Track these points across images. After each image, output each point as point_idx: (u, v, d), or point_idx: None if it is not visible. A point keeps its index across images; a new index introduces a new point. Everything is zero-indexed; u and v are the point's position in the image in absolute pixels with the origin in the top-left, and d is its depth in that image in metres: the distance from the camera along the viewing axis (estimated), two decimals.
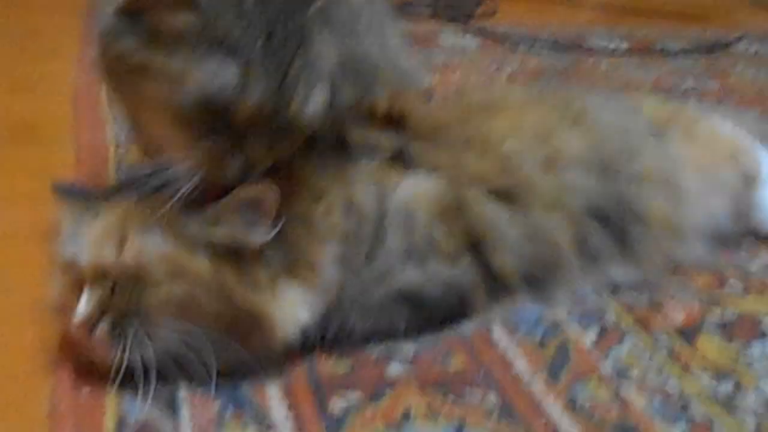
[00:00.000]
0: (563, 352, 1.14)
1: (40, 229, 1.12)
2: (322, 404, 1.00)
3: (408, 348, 1.11)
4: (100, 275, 0.98)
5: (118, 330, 0.96)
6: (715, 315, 1.24)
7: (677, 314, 1.24)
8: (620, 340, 1.17)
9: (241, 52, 0.95)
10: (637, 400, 1.06)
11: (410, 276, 1.11)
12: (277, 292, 1.01)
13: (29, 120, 1.65)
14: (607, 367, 1.12)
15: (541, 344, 1.15)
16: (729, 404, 1.06)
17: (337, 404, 1.00)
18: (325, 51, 1.02)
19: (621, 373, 1.10)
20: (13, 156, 1.56)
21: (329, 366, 1.07)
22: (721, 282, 1.33)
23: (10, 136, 1.62)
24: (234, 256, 0.99)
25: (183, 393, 1.00)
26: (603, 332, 1.19)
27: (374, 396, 1.02)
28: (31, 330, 1.09)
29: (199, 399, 0.99)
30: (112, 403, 0.97)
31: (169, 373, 0.98)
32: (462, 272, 1.15)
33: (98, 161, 1.51)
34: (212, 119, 0.96)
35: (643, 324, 1.21)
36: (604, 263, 1.25)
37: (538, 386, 1.06)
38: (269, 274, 1.01)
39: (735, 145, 1.45)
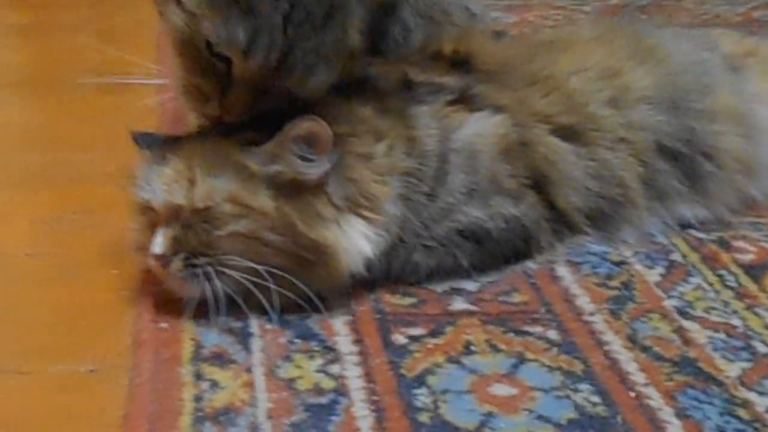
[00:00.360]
0: (627, 289, 1.15)
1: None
2: (385, 337, 1.04)
3: (471, 285, 1.14)
4: (172, 216, 1.03)
5: (190, 265, 1.02)
6: None
7: (746, 253, 1.24)
8: (686, 278, 1.18)
9: (256, 16, 0.98)
10: (699, 336, 1.06)
11: (473, 214, 1.13)
12: (341, 226, 1.05)
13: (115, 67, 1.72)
14: (670, 303, 1.13)
15: (605, 281, 1.17)
16: None
17: (399, 338, 1.04)
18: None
19: (684, 310, 1.11)
20: (102, 102, 1.64)
21: (394, 300, 1.11)
22: None
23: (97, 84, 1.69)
24: (296, 191, 1.03)
25: (254, 324, 1.05)
26: (669, 270, 1.20)
27: (436, 331, 1.05)
28: (114, 265, 1.16)
29: (269, 330, 1.04)
30: (188, 331, 1.03)
31: (237, 305, 1.04)
32: (526, 210, 1.16)
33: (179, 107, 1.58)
34: (209, 64, 1.01)
35: (711, 262, 1.22)
36: (673, 201, 1.26)
37: (599, 321, 1.08)
38: (333, 209, 1.05)
39: None
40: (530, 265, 1.18)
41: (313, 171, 1.03)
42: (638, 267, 1.20)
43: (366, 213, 1.07)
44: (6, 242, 1.24)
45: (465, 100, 1.18)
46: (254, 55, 0.99)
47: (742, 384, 0.99)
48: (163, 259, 1.02)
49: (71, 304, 1.11)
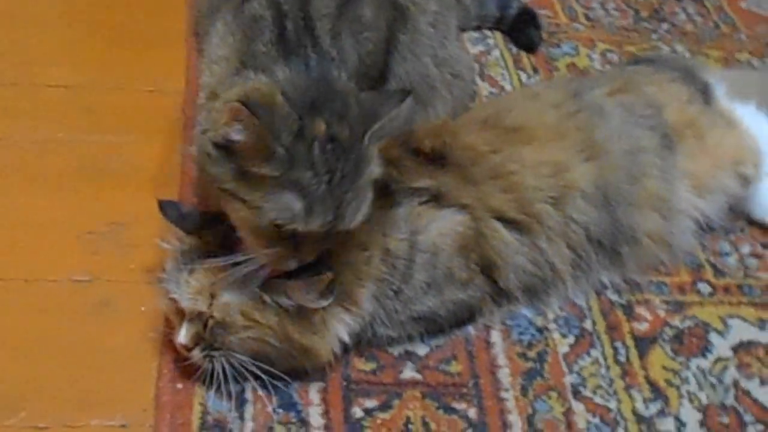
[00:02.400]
0: (541, 361, 1.42)
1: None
2: (347, 410, 1.32)
3: (421, 350, 1.41)
4: (195, 317, 1.28)
5: (207, 355, 1.28)
6: (675, 322, 1.50)
7: (643, 322, 1.49)
8: (589, 350, 1.44)
9: (307, 193, 1.18)
10: (580, 420, 1.35)
11: (428, 304, 1.38)
12: (326, 323, 1.31)
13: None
14: (569, 380, 1.39)
15: (526, 350, 1.43)
16: (648, 429, 1.35)
17: (357, 411, 1.32)
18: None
19: (578, 388, 1.38)
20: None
21: (360, 365, 1.37)
22: (694, 281, 1.57)
23: None
24: (296, 311, 1.28)
25: (248, 388, 1.32)
26: (578, 339, 1.46)
27: (385, 405, 1.33)
28: (142, 298, 1.41)
29: (260, 396, 1.31)
30: (198, 395, 1.31)
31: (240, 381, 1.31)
32: (473, 293, 1.41)
33: None
34: (280, 234, 1.21)
35: (613, 332, 1.47)
36: (594, 273, 1.50)
37: (510, 399, 1.36)
38: (322, 313, 1.30)
39: (740, 153, 1.61)
40: (470, 330, 1.44)
41: (318, 304, 1.28)
42: (555, 335, 1.46)
43: (347, 306, 1.33)
44: (47, 266, 1.45)
45: (435, 199, 1.40)
46: (314, 220, 1.20)
47: None
48: (187, 347, 1.29)
49: (103, 347, 1.35)
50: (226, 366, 1.28)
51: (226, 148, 1.20)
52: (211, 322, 1.27)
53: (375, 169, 1.26)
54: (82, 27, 1.97)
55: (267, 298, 1.27)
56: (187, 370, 1.33)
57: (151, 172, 1.63)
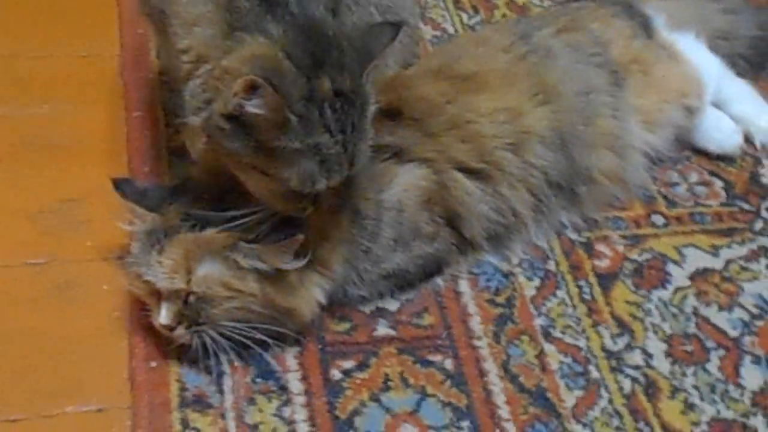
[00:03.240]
0: (509, 306, 1.41)
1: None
2: (326, 373, 1.29)
3: (393, 306, 1.38)
4: (174, 294, 1.22)
5: (194, 331, 1.23)
6: (633, 255, 1.49)
7: (603, 258, 1.49)
8: (554, 291, 1.43)
9: (326, 156, 1.16)
10: (553, 361, 1.34)
11: (396, 260, 1.35)
12: (304, 284, 1.27)
13: None
14: (539, 322, 1.39)
15: (494, 296, 1.42)
16: (618, 363, 1.35)
17: (336, 373, 1.29)
18: None
19: (548, 330, 1.38)
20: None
21: (333, 326, 1.34)
22: (648, 214, 1.57)
23: None
24: (274, 274, 1.24)
25: (224, 360, 1.27)
26: (543, 281, 1.45)
27: (363, 364, 1.31)
28: (104, 277, 1.36)
29: (237, 368, 1.28)
30: (174, 372, 1.27)
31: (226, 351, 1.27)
32: (439, 245, 1.39)
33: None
34: (300, 194, 1.19)
35: (576, 271, 1.47)
36: (554, 215, 1.49)
37: (484, 347, 1.35)
38: (298, 275, 1.26)
39: (685, 85, 1.60)
40: (439, 281, 1.42)
41: (292, 266, 1.23)
42: (521, 279, 1.45)
43: (320, 271, 1.29)
44: None
45: (396, 155, 1.36)
46: (334, 179, 1.19)
47: (574, 416, 1.29)
48: (169, 327, 1.23)
49: (68, 331, 1.29)
50: (216, 337, 1.24)
51: (238, 120, 1.14)
52: (191, 298, 1.22)
53: (374, 104, 1.24)
54: None
55: (244, 263, 1.22)
56: (159, 347, 1.29)
57: (96, 143, 1.56)
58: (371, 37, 1.22)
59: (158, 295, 1.24)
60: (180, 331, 1.24)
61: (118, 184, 1.29)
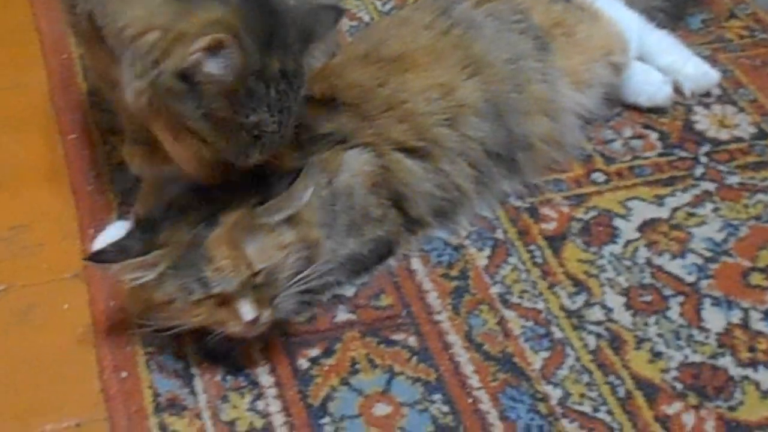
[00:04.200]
0: (464, 278, 1.50)
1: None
2: (293, 363, 1.37)
3: (349, 291, 1.47)
4: (242, 288, 1.28)
5: (273, 307, 1.31)
6: (579, 215, 1.59)
7: (550, 221, 1.59)
8: (506, 258, 1.53)
9: (263, 133, 1.24)
10: (515, 326, 1.43)
11: (351, 245, 1.44)
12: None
13: None
14: (495, 291, 1.48)
15: (448, 270, 1.50)
16: (579, 321, 1.45)
17: (303, 362, 1.38)
18: None
19: (505, 297, 1.47)
20: None
21: (293, 317, 1.42)
22: (588, 173, 1.67)
23: None
24: (297, 217, 1.33)
25: (193, 361, 1.36)
26: (494, 250, 1.54)
27: (329, 350, 1.39)
28: (63, 296, 1.43)
29: (206, 368, 1.36)
30: (145, 380, 1.34)
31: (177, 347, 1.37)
32: (389, 227, 1.48)
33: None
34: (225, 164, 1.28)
35: (524, 236, 1.56)
36: (496, 184, 1.58)
37: (445, 321, 1.44)
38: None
39: (608, 42, 1.71)
40: (391, 262, 1.51)
41: (306, 198, 1.33)
42: (472, 250, 1.54)
43: None
44: None
45: (339, 142, 1.45)
46: (264, 154, 1.28)
47: (543, 377, 1.37)
48: (254, 321, 1.29)
49: (36, 353, 1.37)
50: (297, 297, 1.34)
51: (190, 81, 1.19)
52: (258, 279, 1.29)
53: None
54: None
55: (273, 221, 1.30)
56: (127, 358, 1.36)
57: (36, 169, 1.64)
58: (314, 19, 1.30)
59: (226, 302, 1.29)
60: (264, 315, 1.30)
61: (95, 259, 1.32)
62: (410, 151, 1.49)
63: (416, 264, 1.52)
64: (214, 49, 1.16)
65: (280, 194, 1.30)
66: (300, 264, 1.33)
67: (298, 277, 1.32)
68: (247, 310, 1.29)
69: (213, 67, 1.18)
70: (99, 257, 1.31)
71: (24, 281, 1.46)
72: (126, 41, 1.24)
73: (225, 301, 1.29)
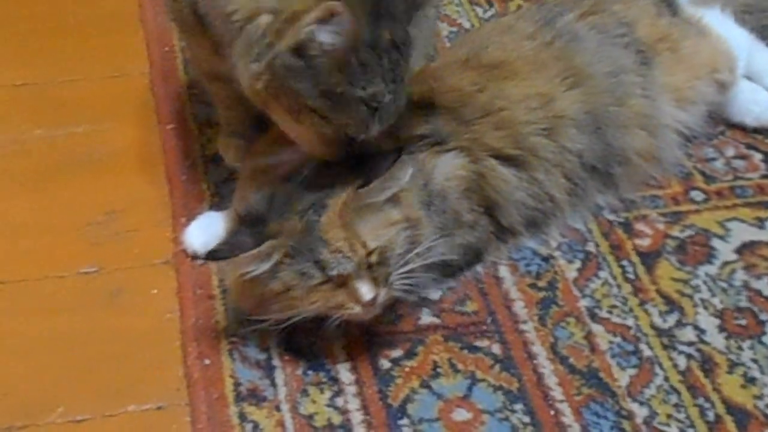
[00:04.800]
0: (552, 289, 1.51)
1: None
2: (374, 362, 1.40)
3: (435, 294, 1.50)
4: (358, 269, 1.32)
5: (389, 286, 1.35)
6: (675, 233, 1.59)
7: (644, 237, 1.59)
8: (597, 272, 1.53)
9: (379, 105, 1.29)
10: (602, 341, 1.44)
11: (440, 251, 1.45)
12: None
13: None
14: (584, 304, 1.49)
15: (536, 280, 1.52)
16: (670, 341, 1.45)
17: (385, 362, 1.41)
18: None
19: (594, 311, 1.48)
20: None
21: (378, 316, 1.42)
22: (686, 191, 1.67)
23: None
24: (397, 197, 1.38)
25: (275, 354, 1.40)
26: (584, 263, 1.55)
27: (410, 352, 1.42)
28: (153, 281, 1.50)
29: (287, 360, 1.40)
30: (227, 368, 1.39)
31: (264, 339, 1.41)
32: (479, 234, 1.50)
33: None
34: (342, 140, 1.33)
35: (617, 251, 1.57)
36: (590, 197, 1.59)
37: (530, 330, 1.45)
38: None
39: (715, 60, 1.70)
40: (479, 269, 1.53)
41: (407, 178, 1.37)
42: (561, 262, 1.55)
43: None
44: (52, 262, 1.52)
45: (435, 144, 1.48)
46: (382, 127, 1.31)
47: (629, 394, 1.38)
48: (373, 301, 1.33)
49: (122, 335, 1.43)
50: (411, 275, 1.37)
51: (305, 57, 1.23)
52: (374, 258, 1.33)
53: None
54: (24, 23, 2.01)
55: (378, 199, 1.34)
56: (211, 346, 1.41)
57: (133, 157, 1.70)
58: None
59: (343, 285, 1.32)
60: (381, 294, 1.34)
61: (211, 258, 1.36)
62: (505, 159, 1.51)
63: (504, 272, 1.53)
64: (326, 19, 1.20)
65: (382, 175, 1.33)
66: (407, 243, 1.36)
67: (408, 255, 1.36)
68: (366, 289, 1.32)
69: (326, 36, 1.21)
70: (215, 255, 1.34)
71: (115, 265, 1.51)
72: (236, 27, 1.27)
73: (342, 283, 1.33)
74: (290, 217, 1.33)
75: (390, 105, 1.29)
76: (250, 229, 1.34)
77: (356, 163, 1.36)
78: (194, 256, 1.53)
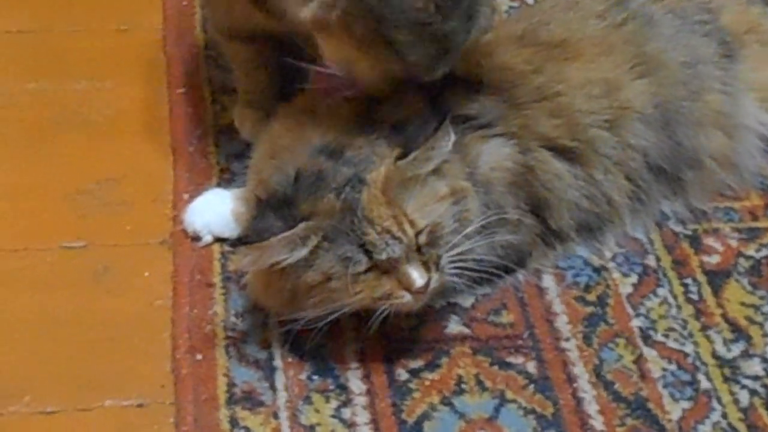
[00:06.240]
0: (602, 305, 1.47)
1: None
2: (390, 372, 1.37)
3: (466, 301, 1.46)
4: (408, 252, 1.29)
5: (440, 270, 1.32)
6: (749, 251, 1.55)
7: (713, 254, 1.55)
8: (655, 289, 1.49)
9: (450, 46, 1.31)
10: (655, 368, 1.40)
11: (478, 251, 1.41)
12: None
13: None
14: (637, 324, 1.45)
15: (584, 293, 1.48)
16: (733, 373, 1.40)
17: (402, 372, 1.37)
18: None
19: (647, 333, 1.44)
20: None
21: (398, 320, 1.40)
22: (767, 204, 1.62)
23: None
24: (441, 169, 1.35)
25: (277, 355, 1.37)
26: (641, 278, 1.51)
27: (432, 364, 1.38)
28: (145, 263, 1.47)
29: (291, 363, 1.36)
30: (221, 366, 1.35)
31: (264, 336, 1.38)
32: (523, 236, 1.46)
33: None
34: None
35: (680, 267, 1.52)
36: (654, 203, 1.55)
37: (572, 349, 1.41)
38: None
39: None
40: (519, 275, 1.49)
41: (449, 147, 1.34)
42: (615, 275, 1.51)
43: None
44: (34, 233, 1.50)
45: (481, 127, 1.44)
46: (449, 67, 1.35)
47: (680, 429, 1.33)
48: (425, 286, 1.30)
49: (106, 319, 1.40)
50: (462, 258, 1.35)
51: None
52: (422, 239, 1.30)
53: None
54: None
55: (422, 172, 1.31)
56: (205, 339, 1.38)
57: (136, 121, 1.68)
58: None
59: (390, 271, 1.30)
60: (434, 279, 1.31)
61: (239, 243, 1.32)
62: (560, 151, 1.47)
63: (548, 281, 1.50)
64: None
65: (422, 144, 1.31)
66: (455, 221, 1.34)
67: (458, 237, 1.33)
68: (416, 276, 1.29)
69: None
70: (245, 241, 1.29)
71: (104, 241, 1.49)
72: None
73: (386, 270, 1.30)
74: (324, 195, 1.29)
75: (459, 46, 1.32)
76: (277, 212, 1.30)
77: (392, 132, 1.34)
78: (194, 238, 1.51)
